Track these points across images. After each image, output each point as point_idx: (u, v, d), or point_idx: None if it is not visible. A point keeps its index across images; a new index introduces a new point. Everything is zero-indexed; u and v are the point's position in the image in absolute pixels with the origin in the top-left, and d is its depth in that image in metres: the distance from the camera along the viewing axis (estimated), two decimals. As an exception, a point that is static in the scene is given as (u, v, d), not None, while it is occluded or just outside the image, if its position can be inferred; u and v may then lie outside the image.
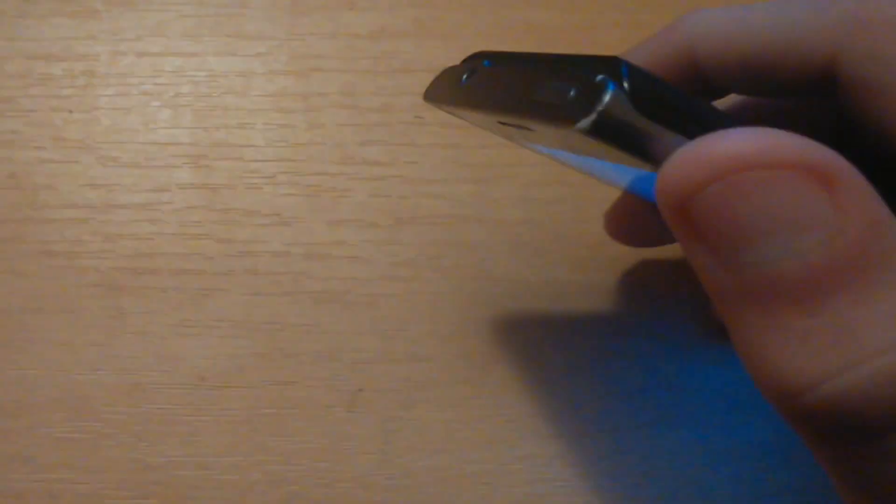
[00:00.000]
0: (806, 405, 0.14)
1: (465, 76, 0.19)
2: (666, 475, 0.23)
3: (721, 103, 0.21)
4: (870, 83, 0.17)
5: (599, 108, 0.14)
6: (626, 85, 0.14)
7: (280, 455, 0.23)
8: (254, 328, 0.24)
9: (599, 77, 0.14)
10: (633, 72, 0.14)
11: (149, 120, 0.25)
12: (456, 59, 0.27)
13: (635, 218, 0.23)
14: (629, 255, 0.25)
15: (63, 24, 0.26)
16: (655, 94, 0.14)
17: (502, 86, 0.17)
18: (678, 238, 0.14)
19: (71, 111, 0.25)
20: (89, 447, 0.22)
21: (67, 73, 0.26)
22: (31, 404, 0.22)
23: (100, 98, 0.26)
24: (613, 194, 0.25)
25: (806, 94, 0.18)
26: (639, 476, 0.23)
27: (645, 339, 0.24)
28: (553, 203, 0.25)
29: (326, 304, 0.24)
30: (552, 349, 0.24)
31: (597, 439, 0.23)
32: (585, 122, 0.14)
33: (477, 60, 0.19)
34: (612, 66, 0.14)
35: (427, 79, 0.26)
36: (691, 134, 0.14)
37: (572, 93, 0.14)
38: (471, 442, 0.23)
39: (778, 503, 0.23)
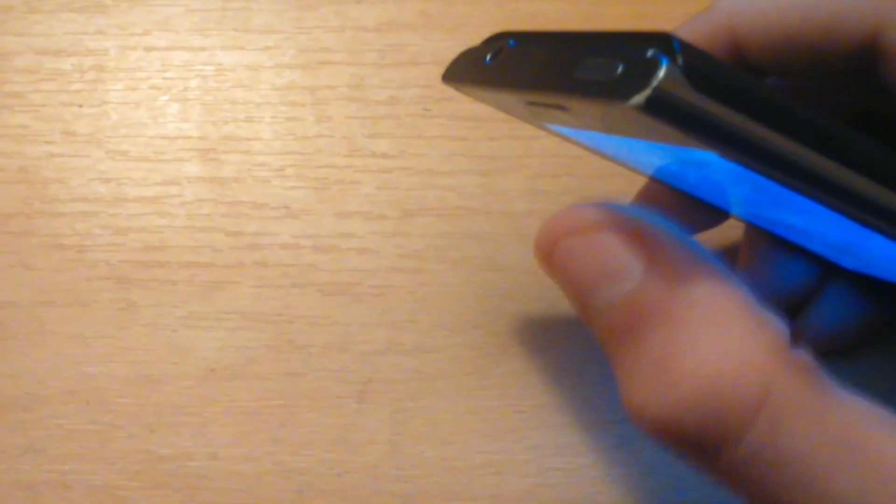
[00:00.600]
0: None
1: (489, 56, 0.19)
2: (673, 465, 0.23)
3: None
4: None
5: (654, 83, 0.13)
6: (679, 60, 0.13)
7: (290, 446, 0.23)
8: (263, 320, 0.24)
9: (651, 52, 0.14)
10: (686, 47, 0.14)
11: (157, 114, 0.26)
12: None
13: (661, 206, 0.23)
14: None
15: (72, 20, 0.26)
16: (710, 71, 0.14)
17: (534, 65, 0.17)
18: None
19: (80, 106, 0.25)
20: (101, 438, 0.22)
21: (77, 67, 0.26)
22: (43, 396, 0.23)
23: (109, 92, 0.26)
24: (619, 187, 0.25)
25: (846, 71, 0.18)
26: (646, 466, 0.23)
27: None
28: (560, 194, 0.25)
29: (335, 296, 0.24)
30: (560, 340, 0.24)
31: (605, 429, 0.23)
32: (639, 99, 0.13)
33: (501, 41, 0.19)
34: (665, 42, 0.14)
35: (434, 71, 0.26)
36: (744, 111, 0.14)
37: (620, 69, 0.14)
38: (480, 432, 0.23)
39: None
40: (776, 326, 0.16)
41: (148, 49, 0.26)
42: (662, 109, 0.14)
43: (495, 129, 0.26)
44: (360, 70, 0.26)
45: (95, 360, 0.23)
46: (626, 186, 0.23)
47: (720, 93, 0.14)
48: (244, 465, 0.22)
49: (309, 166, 0.25)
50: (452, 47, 0.27)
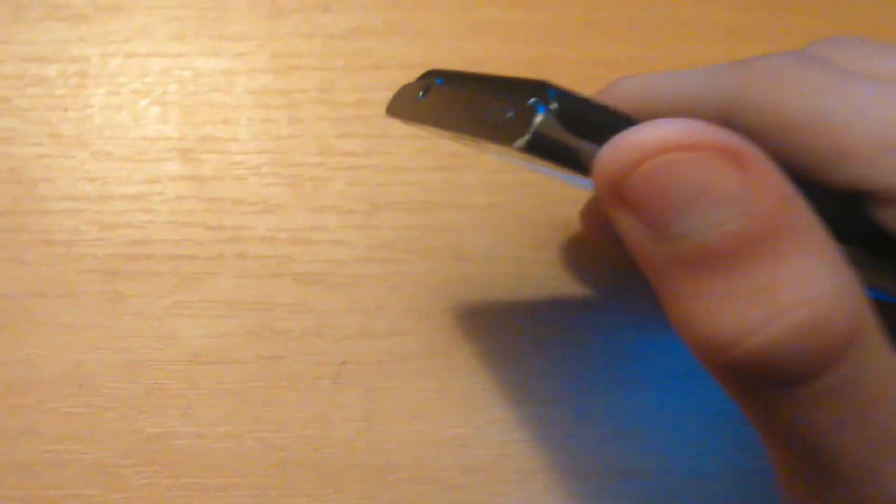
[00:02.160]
0: (731, 359, 0.16)
1: (420, 93, 0.21)
2: (628, 435, 0.25)
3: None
4: (751, 128, 0.20)
5: (532, 128, 0.16)
6: (553, 106, 0.16)
7: (271, 424, 0.24)
8: (243, 308, 0.25)
9: (532, 100, 0.16)
10: (560, 94, 0.16)
11: (139, 117, 0.27)
12: (425, 55, 0.29)
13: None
14: (591, 237, 0.27)
15: (55, 28, 0.28)
16: (581, 113, 0.16)
17: (453, 104, 0.19)
18: (611, 216, 0.17)
19: (65, 109, 0.27)
20: (93, 420, 0.24)
21: (61, 73, 0.27)
22: (37, 382, 0.24)
23: (92, 97, 0.27)
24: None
25: None
26: (601, 437, 0.25)
27: (608, 311, 0.26)
28: (517, 188, 0.27)
29: (310, 285, 0.26)
30: (521, 322, 0.26)
31: (563, 403, 0.25)
32: (521, 142, 0.16)
33: (431, 79, 0.21)
34: (542, 90, 0.16)
35: (398, 74, 0.28)
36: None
37: (510, 114, 0.17)
38: (447, 409, 0.25)
39: (734, 458, 0.25)
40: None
41: (128, 56, 0.28)
42: (541, 149, 0.16)
43: (457, 128, 0.28)
44: (329, 74, 0.28)
45: (86, 348, 0.24)
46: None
47: (590, 131, 0.16)
48: (228, 442, 0.24)
49: (283, 164, 0.27)
50: (415, 53, 0.29)
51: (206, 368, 0.25)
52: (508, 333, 0.26)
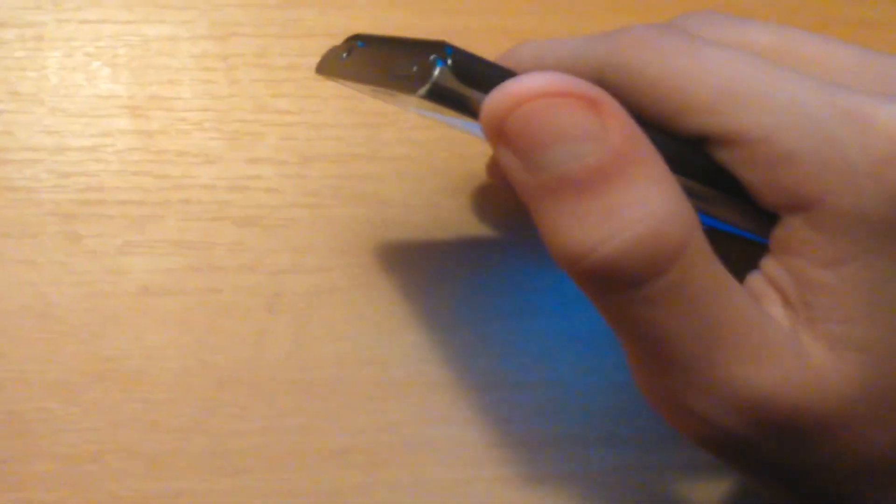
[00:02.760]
0: (586, 266, 0.20)
1: (344, 54, 0.24)
2: (522, 357, 0.29)
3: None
4: (619, 86, 0.23)
5: (432, 79, 0.19)
6: (449, 62, 0.19)
7: (212, 347, 0.28)
8: (187, 247, 0.29)
9: (432, 56, 0.20)
10: (456, 51, 0.20)
11: (91, 77, 0.30)
12: (352, 24, 0.32)
13: None
14: (495, 186, 0.31)
15: (13, -4, 0.31)
16: (472, 67, 0.20)
17: (370, 63, 0.23)
18: (496, 153, 0.20)
19: (24, 70, 0.30)
20: (54, 345, 0.27)
21: (19, 37, 0.30)
22: (4, 311, 0.27)
23: (48, 59, 0.30)
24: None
25: None
26: (500, 356, 0.29)
27: (509, 250, 0.30)
28: (432, 143, 0.31)
29: (247, 227, 0.29)
30: (434, 259, 0.30)
31: (468, 328, 0.29)
32: (422, 90, 0.19)
33: (353, 41, 0.24)
34: (440, 48, 0.20)
35: (327, 41, 0.32)
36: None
37: (414, 68, 0.20)
38: (367, 333, 0.29)
39: (610, 373, 0.29)
40: None
41: (81, 22, 0.31)
42: (439, 97, 0.20)
43: (379, 89, 0.31)
44: (264, 41, 0.31)
45: (47, 281, 0.28)
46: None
47: (479, 82, 0.20)
48: (174, 363, 0.28)
49: (223, 121, 0.30)
50: (342, 22, 0.32)
51: (155, 300, 0.28)
52: (422, 269, 0.29)
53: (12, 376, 0.27)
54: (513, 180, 0.20)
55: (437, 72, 0.19)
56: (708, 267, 0.20)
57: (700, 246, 0.20)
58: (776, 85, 0.21)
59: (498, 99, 0.19)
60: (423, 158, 0.31)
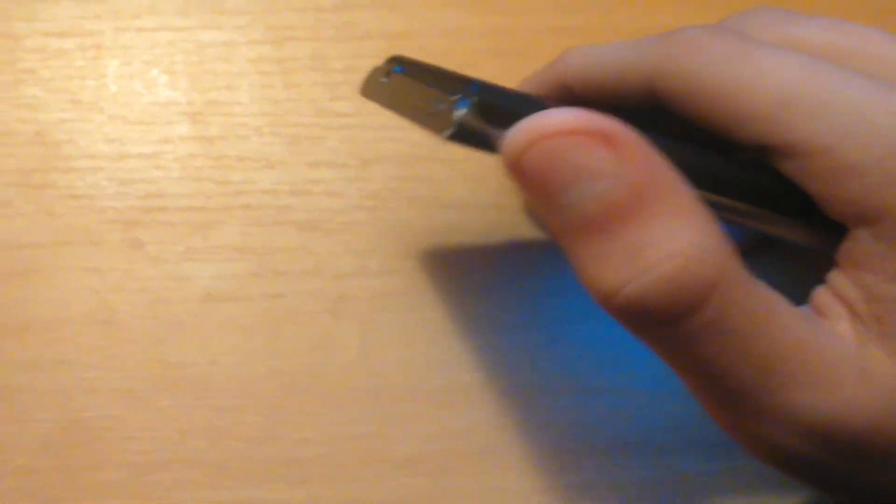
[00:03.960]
0: (615, 305, 0.19)
1: (384, 79, 0.23)
2: (593, 361, 0.28)
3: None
4: (672, 94, 0.22)
5: (454, 123, 0.18)
6: (474, 100, 0.19)
7: (277, 353, 0.27)
8: (249, 252, 0.28)
9: (456, 96, 0.19)
10: (482, 89, 0.19)
11: (150, 84, 0.30)
12: (407, 26, 0.32)
13: None
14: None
15: (72, 6, 0.30)
16: (497, 105, 0.19)
17: (404, 93, 0.22)
18: (520, 192, 0.20)
19: (84, 78, 0.30)
20: (119, 351, 0.27)
21: (79, 46, 0.30)
22: (69, 319, 0.27)
23: (107, 67, 0.30)
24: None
25: (646, 101, 0.24)
26: (569, 361, 0.28)
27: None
28: (493, 143, 0.30)
29: (309, 231, 0.29)
30: (497, 259, 0.29)
31: (532, 331, 0.28)
32: (446, 133, 0.19)
33: (392, 64, 0.23)
34: (467, 86, 0.19)
35: (382, 44, 0.31)
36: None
37: (440, 106, 0.19)
38: (432, 337, 0.28)
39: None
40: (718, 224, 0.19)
41: (139, 30, 0.31)
42: (462, 139, 0.19)
43: (437, 90, 0.31)
44: (320, 44, 0.31)
45: (110, 289, 0.27)
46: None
47: (503, 119, 0.19)
48: (239, 369, 0.27)
49: (282, 125, 0.30)
50: (397, 23, 0.32)
51: (218, 306, 0.28)
52: (486, 271, 0.29)
53: (78, 384, 0.26)
54: (540, 218, 0.20)
55: (460, 113, 0.19)
56: (748, 297, 0.19)
57: (737, 277, 0.19)
58: (837, 91, 0.20)
59: (512, 140, 0.19)
60: (483, 158, 0.30)
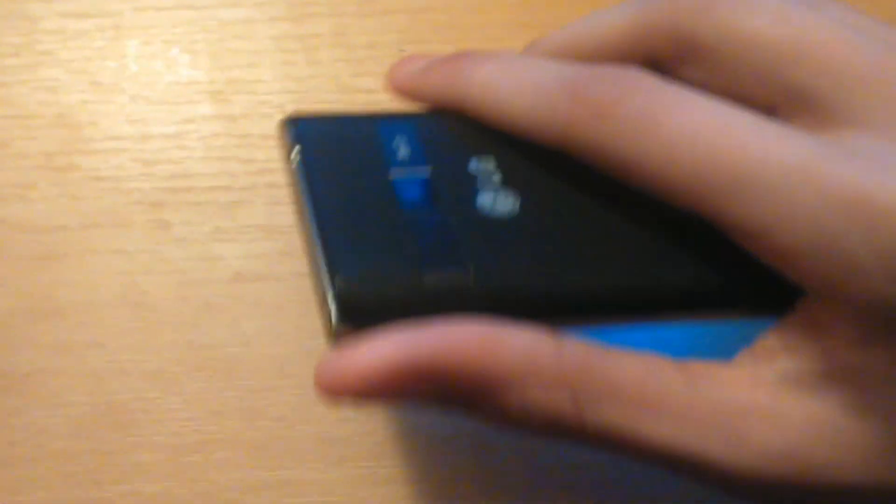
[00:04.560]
0: None
1: (291, 157, 0.22)
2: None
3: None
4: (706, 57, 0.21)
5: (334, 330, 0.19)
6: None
7: (310, 332, 0.27)
8: (278, 231, 0.28)
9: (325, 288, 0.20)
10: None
11: (171, 64, 0.30)
12: (429, 1, 0.31)
13: None
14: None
15: (89, -14, 0.30)
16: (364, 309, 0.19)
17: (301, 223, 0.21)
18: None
19: (104, 59, 0.29)
20: (150, 333, 0.27)
21: (98, 27, 0.30)
22: (99, 301, 0.27)
23: (128, 47, 0.30)
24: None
25: None
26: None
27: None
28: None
29: (336, 209, 0.28)
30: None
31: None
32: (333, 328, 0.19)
33: (295, 143, 0.22)
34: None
35: (405, 18, 0.31)
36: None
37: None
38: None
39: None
40: None
41: (157, 10, 0.30)
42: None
43: (461, 64, 0.30)
44: (342, 20, 0.31)
45: (139, 271, 0.27)
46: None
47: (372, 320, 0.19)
48: (272, 349, 0.27)
49: (306, 102, 0.30)
50: (420, -3, 0.31)
51: (248, 286, 0.27)
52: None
53: (110, 366, 0.26)
54: None
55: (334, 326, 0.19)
56: None
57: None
58: (764, 168, 0.18)
59: (324, 376, 0.20)
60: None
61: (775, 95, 0.20)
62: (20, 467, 0.25)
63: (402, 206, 0.20)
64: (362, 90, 0.30)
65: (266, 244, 0.28)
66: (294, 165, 0.22)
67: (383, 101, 0.30)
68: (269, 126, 0.29)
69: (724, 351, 0.21)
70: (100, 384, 0.26)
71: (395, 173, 0.21)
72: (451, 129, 0.22)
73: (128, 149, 0.28)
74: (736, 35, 0.20)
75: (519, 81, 0.21)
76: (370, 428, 0.26)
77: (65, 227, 0.27)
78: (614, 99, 0.19)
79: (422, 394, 0.19)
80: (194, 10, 0.30)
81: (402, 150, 0.21)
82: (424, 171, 0.21)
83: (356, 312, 0.19)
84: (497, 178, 0.21)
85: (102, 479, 0.25)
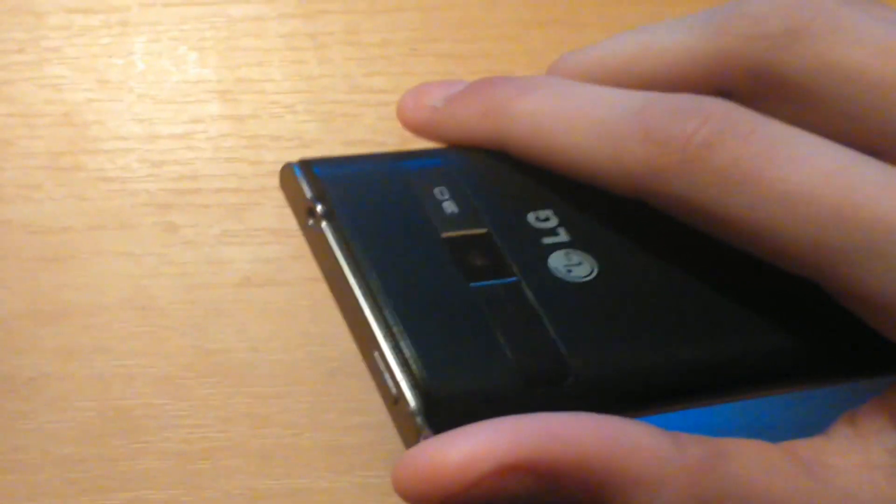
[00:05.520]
0: None
1: (309, 220, 0.19)
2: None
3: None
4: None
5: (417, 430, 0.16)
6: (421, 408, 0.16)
7: (319, 338, 0.27)
8: (287, 235, 0.28)
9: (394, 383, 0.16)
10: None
11: (179, 62, 0.29)
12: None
13: None
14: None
15: (96, -19, 0.30)
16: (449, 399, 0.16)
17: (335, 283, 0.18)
18: None
19: (111, 56, 0.29)
20: (157, 338, 0.26)
21: (104, 23, 0.29)
22: (105, 305, 0.26)
23: (135, 44, 0.29)
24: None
25: None
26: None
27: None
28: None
29: (347, 212, 0.28)
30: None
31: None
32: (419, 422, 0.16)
33: (319, 202, 0.19)
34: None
35: (418, 16, 0.30)
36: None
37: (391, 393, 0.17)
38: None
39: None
40: None
41: (165, 5, 0.30)
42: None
43: (475, 65, 0.30)
44: (354, 17, 0.30)
45: (146, 274, 0.27)
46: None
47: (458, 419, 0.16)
48: (281, 354, 0.26)
49: (316, 102, 0.29)
50: (434, -6, 0.31)
51: (256, 291, 0.27)
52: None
53: (116, 371, 0.26)
54: None
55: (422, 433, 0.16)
56: None
57: None
58: (879, 224, 0.15)
59: (404, 477, 0.16)
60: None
61: (880, 139, 0.18)
62: (25, 473, 0.25)
63: (466, 276, 0.17)
64: (375, 90, 0.29)
65: (275, 248, 0.27)
66: (324, 225, 0.18)
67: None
68: (279, 126, 0.29)
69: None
70: (106, 389, 0.26)
71: (448, 233, 0.18)
72: (496, 172, 0.19)
73: (135, 149, 0.28)
74: (834, 70, 0.18)
75: (577, 116, 0.18)
76: (380, 437, 0.26)
77: (70, 229, 0.27)
78: (704, 140, 0.16)
79: (528, 494, 0.16)
80: (203, 6, 0.30)
81: (448, 204, 0.18)
82: (480, 229, 0.18)
83: (444, 414, 0.16)
84: (563, 232, 0.18)
85: (108, 486, 0.25)
